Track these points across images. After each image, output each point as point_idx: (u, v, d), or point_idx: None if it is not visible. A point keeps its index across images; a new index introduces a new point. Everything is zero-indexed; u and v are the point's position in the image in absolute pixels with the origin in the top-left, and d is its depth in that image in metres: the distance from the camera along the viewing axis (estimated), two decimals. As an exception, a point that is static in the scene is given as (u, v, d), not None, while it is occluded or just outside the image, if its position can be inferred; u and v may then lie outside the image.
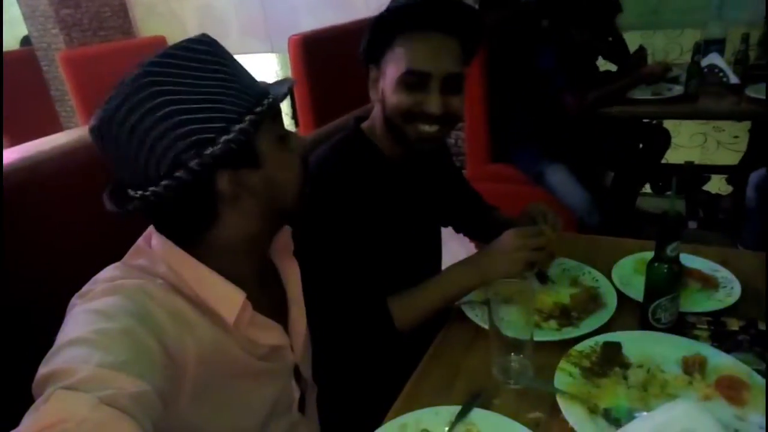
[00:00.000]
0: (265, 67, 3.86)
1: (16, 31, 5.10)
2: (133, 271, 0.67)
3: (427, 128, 0.97)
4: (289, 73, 2.52)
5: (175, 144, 0.61)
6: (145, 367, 0.57)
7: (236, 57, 0.70)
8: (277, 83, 0.75)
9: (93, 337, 0.55)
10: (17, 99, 4.13)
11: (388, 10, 0.94)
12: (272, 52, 3.91)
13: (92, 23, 4.12)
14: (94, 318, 0.58)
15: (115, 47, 3.88)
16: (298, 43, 2.21)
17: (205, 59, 0.64)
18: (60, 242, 0.84)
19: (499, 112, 2.46)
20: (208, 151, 0.61)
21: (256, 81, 0.70)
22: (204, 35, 0.67)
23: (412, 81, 0.94)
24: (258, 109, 0.65)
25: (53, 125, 4.27)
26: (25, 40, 4.64)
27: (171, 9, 4.20)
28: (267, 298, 0.79)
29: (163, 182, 0.62)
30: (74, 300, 0.64)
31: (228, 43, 0.69)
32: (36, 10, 4.02)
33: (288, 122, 3.03)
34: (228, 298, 0.70)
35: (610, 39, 2.56)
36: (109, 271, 0.67)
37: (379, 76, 0.99)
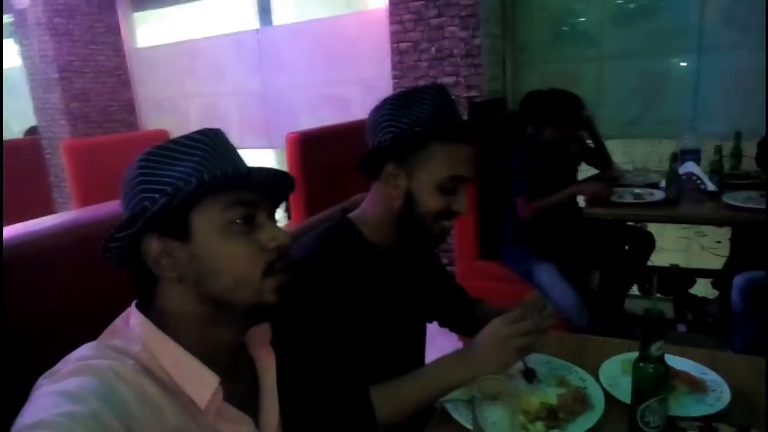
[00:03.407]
0: (261, 161, 4.01)
1: (24, 123, 5.31)
2: (106, 351, 0.66)
3: (449, 224, 1.05)
4: (284, 168, 2.62)
5: (133, 203, 0.69)
6: None
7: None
8: (260, 169, 0.71)
9: (58, 420, 0.53)
10: (17, 183, 4.22)
11: (427, 123, 0.98)
12: (270, 147, 4.08)
13: (99, 116, 4.33)
14: (60, 400, 0.56)
15: (116, 138, 4.04)
16: (294, 140, 2.32)
17: (189, 144, 0.70)
18: (44, 320, 0.82)
19: (488, 211, 2.53)
20: (148, 212, 0.66)
21: (240, 167, 0.71)
22: (212, 129, 0.73)
23: (451, 185, 1.01)
24: (194, 185, 0.66)
25: (47, 209, 4.32)
26: (30, 130, 4.84)
27: (176, 105, 4.43)
28: (239, 389, 0.76)
29: (120, 233, 0.68)
30: (40, 380, 0.61)
31: (226, 138, 0.73)
32: (47, 103, 4.24)
33: (281, 215, 3.09)
34: (201, 381, 0.68)
35: (593, 146, 2.72)
36: (81, 351, 0.66)
37: (399, 173, 1.02)
